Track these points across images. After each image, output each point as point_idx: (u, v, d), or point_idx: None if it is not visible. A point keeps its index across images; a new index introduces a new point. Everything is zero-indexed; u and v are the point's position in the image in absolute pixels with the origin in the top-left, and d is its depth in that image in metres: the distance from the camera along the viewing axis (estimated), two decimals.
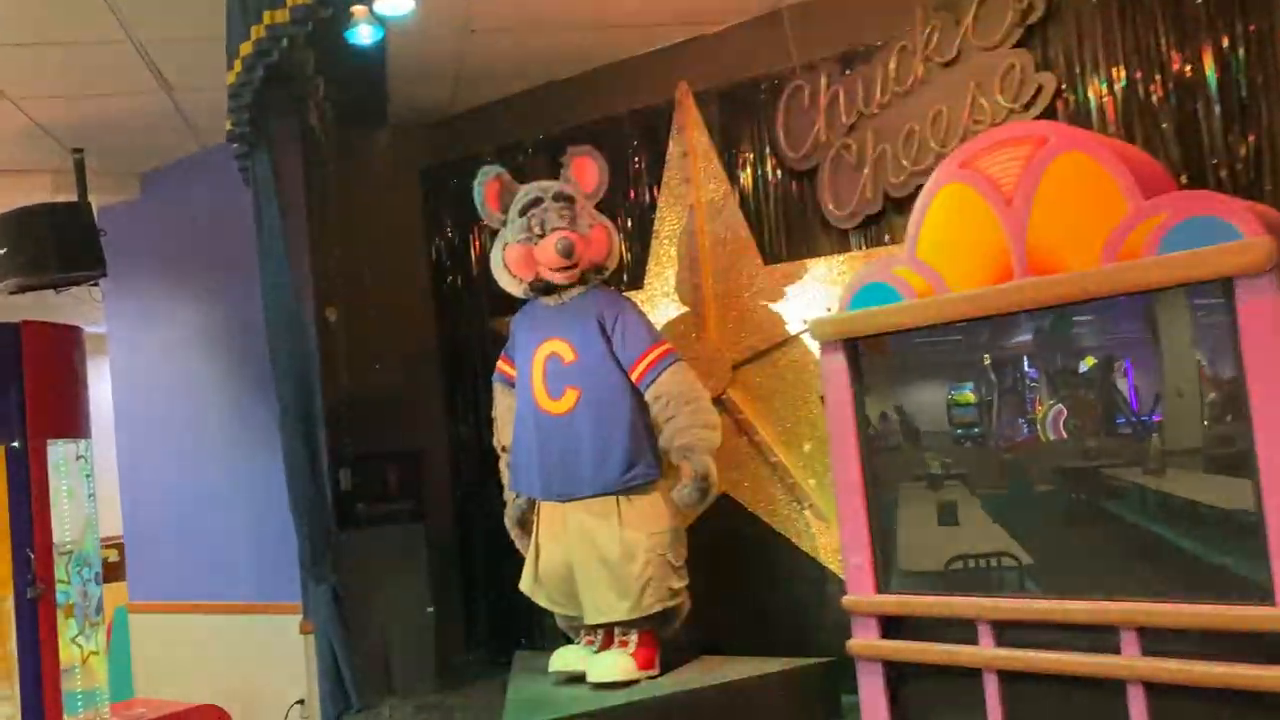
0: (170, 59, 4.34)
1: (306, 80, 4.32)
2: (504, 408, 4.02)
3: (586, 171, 3.88)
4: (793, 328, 4.07)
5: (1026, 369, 3.20)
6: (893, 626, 3.21)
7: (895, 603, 3.19)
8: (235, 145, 4.08)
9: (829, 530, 3.95)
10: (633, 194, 4.59)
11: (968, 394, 3.22)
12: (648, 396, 3.68)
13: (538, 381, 3.75)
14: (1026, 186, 2.91)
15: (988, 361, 3.19)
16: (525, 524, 3.93)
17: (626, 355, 3.69)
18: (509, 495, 4.00)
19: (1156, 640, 2.72)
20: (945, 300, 3.05)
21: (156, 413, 5.72)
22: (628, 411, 3.67)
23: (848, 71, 4.11)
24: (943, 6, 3.88)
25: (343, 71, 4.59)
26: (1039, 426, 3.10)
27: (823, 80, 4.14)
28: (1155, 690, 2.70)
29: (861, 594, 3.24)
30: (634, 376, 3.68)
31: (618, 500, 3.65)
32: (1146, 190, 2.81)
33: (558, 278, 3.70)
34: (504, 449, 4.03)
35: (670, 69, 4.57)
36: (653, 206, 4.51)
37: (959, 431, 3.24)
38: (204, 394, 5.53)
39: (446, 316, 5.33)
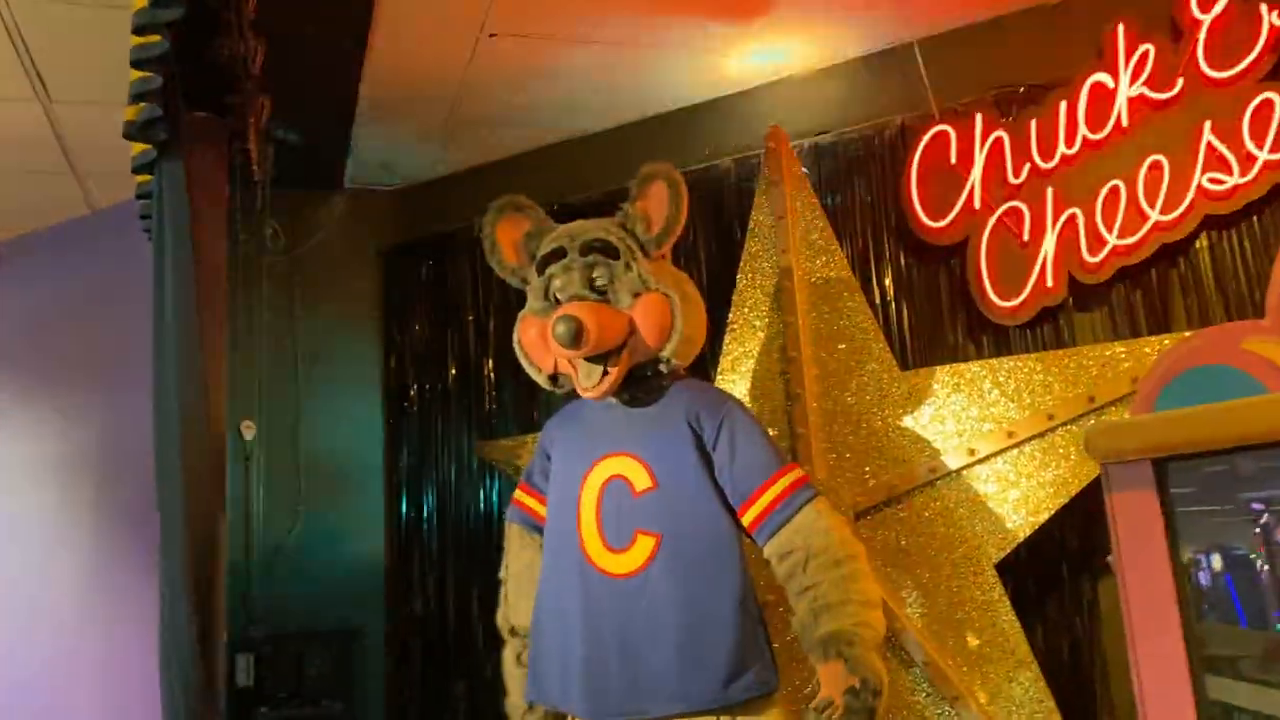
0: (47, 38, 3.01)
1: (248, 92, 3.06)
2: (522, 564, 2.57)
3: (660, 203, 2.40)
4: (951, 460, 2.78)
5: None
6: None
7: None
8: (134, 154, 2.71)
9: None
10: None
11: None
12: (768, 551, 2.29)
13: (589, 523, 2.32)
14: None
15: None
16: None
17: (737, 484, 2.30)
18: (513, 708, 2.51)
19: None
20: None
21: None
22: (736, 574, 2.26)
23: (1012, 115, 3.03)
24: (1156, 23, 2.86)
25: (300, 97, 3.37)
26: None
27: (977, 125, 3.03)
28: None
29: None
30: (747, 519, 2.30)
31: None
32: None
33: (588, 391, 2.32)
34: (514, 632, 2.55)
35: (744, 119, 3.46)
36: (717, 295, 3.23)
37: None
38: (50, 542, 3.94)
39: (404, 444, 3.92)
